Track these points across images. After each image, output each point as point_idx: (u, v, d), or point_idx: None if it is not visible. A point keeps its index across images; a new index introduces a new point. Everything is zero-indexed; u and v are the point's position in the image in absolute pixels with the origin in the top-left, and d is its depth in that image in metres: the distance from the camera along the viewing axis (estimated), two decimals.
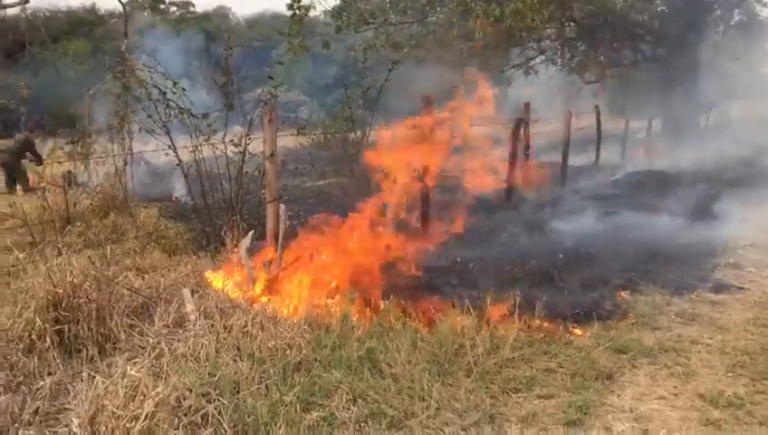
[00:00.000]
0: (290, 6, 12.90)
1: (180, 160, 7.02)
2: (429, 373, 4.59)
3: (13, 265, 5.85)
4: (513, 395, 4.55)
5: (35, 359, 4.35)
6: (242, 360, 4.39)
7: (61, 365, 4.31)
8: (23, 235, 10.20)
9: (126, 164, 12.16)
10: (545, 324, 5.77)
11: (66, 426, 3.16)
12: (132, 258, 8.10)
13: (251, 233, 6.12)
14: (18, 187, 14.52)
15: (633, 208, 11.22)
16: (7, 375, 4.14)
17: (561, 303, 6.67)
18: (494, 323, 5.49)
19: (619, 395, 4.62)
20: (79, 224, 10.53)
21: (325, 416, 4.00)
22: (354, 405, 4.16)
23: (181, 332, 4.67)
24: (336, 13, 20.30)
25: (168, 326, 4.78)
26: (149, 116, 7.13)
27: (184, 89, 7.01)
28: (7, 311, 4.68)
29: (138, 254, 8.36)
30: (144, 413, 3.30)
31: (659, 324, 6.03)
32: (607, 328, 5.88)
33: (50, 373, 4.20)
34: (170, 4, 54.70)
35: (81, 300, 4.64)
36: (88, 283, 4.74)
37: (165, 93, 7.09)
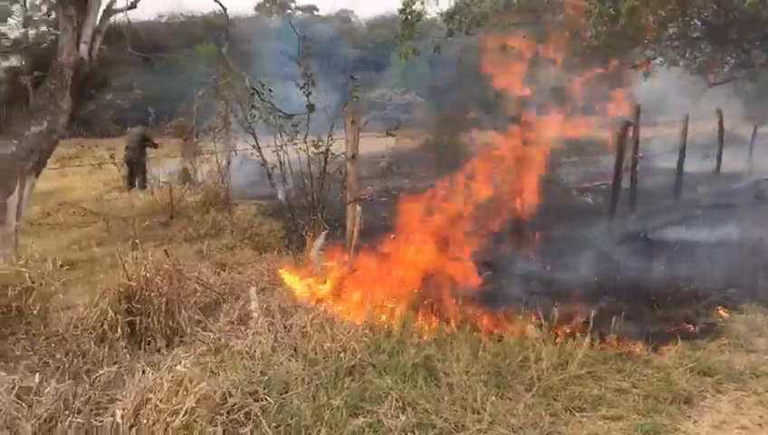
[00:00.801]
0: (401, 11, 12.97)
1: (264, 160, 7.19)
2: (487, 385, 4.44)
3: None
4: (577, 414, 4.29)
5: (106, 348, 4.57)
6: (296, 360, 4.41)
7: (128, 356, 4.50)
8: (126, 228, 10.83)
9: (229, 163, 12.61)
10: (624, 340, 5.44)
11: (112, 416, 3.28)
12: (223, 254, 8.39)
13: (324, 233, 6.16)
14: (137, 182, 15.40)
15: (752, 220, 10.42)
16: (77, 363, 4.37)
17: (648, 318, 6.32)
18: (566, 336, 5.23)
19: (695, 421, 4.27)
20: (181, 219, 11.10)
21: (371, 422, 3.93)
22: (403, 413, 4.06)
23: (243, 329, 4.76)
24: (448, 16, 20.20)
25: (233, 323, 4.88)
26: (236, 116, 7.34)
27: (270, 90, 7.16)
28: (86, 301, 4.94)
29: (229, 250, 8.64)
30: (184, 408, 3.37)
31: (756, 347, 5.53)
32: (695, 348, 5.46)
33: (116, 363, 4.39)
34: (296, 8, 56.85)
35: (153, 293, 4.83)
36: (159, 277, 4.92)
37: (253, 94, 7.28)
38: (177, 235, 10.18)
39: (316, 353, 4.43)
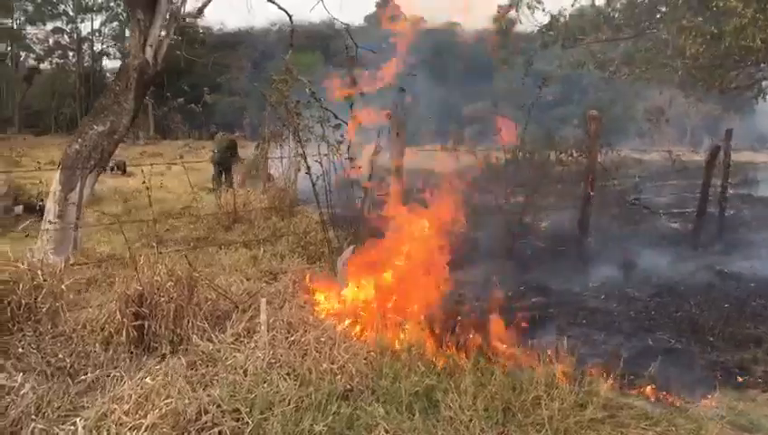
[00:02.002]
0: (495, 20, 12.76)
1: (309, 168, 7.08)
2: (492, 422, 4.12)
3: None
4: None
5: (111, 351, 4.55)
6: (290, 379, 4.22)
7: (128, 360, 4.45)
8: (194, 229, 11.03)
9: (299, 170, 12.65)
10: (658, 383, 4.96)
11: (73, 425, 3.20)
12: (275, 261, 8.34)
13: (351, 247, 5.97)
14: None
15: None
16: (79, 364, 4.35)
17: (697, 359, 5.77)
18: (594, 374, 4.81)
19: None
20: (245, 223, 11.21)
21: None
22: None
23: (246, 342, 4.62)
24: (544, 28, 19.54)
25: (239, 335, 4.75)
26: (284, 125, 7.29)
27: (318, 99, 7.04)
28: (99, 302, 4.95)
29: (282, 257, 8.59)
30: (146, 424, 3.25)
31: None
32: (743, 398, 4.93)
33: (115, 367, 4.35)
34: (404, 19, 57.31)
35: (162, 298, 4.78)
36: (171, 282, 4.86)
37: (298, 102, 7.21)
38: (237, 239, 10.27)
39: (311, 373, 4.23)
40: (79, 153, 8.37)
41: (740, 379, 5.39)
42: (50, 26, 50.86)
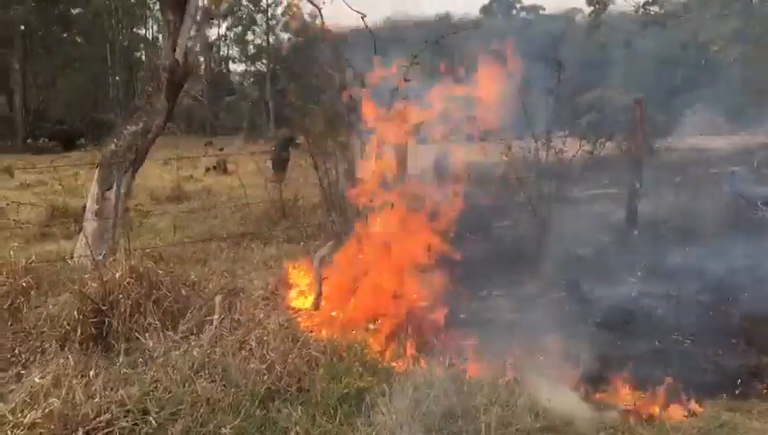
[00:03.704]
0: (589, 1, 12.27)
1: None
2: (425, 428, 3.85)
3: None
4: None
5: (66, 350, 4.62)
6: (219, 379, 4.13)
7: (72, 357, 4.48)
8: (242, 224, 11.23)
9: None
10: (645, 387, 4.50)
11: None
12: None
13: (330, 243, 5.80)
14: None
15: None
16: (34, 360, 4.45)
17: (710, 364, 5.19)
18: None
19: None
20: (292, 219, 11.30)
21: None
22: None
23: (193, 339, 4.57)
24: (642, 6, 18.31)
25: (191, 331, 4.71)
26: None
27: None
28: (62, 300, 5.04)
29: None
30: (25, 422, 3.25)
31: None
32: (740, 410, 4.38)
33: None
34: (521, 9, 56.74)
35: (121, 296, 4.82)
36: (131, 278, 4.89)
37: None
38: (281, 234, 10.37)
39: (238, 373, 4.11)
40: (115, 153, 8.66)
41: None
42: None
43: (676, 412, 4.31)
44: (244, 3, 50.38)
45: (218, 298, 4.78)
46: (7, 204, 11.04)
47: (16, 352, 4.54)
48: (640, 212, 10.44)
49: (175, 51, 8.84)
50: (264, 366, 4.13)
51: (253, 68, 55.14)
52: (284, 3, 48.52)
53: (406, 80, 6.50)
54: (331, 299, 5.29)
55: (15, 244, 8.10)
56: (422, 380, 4.25)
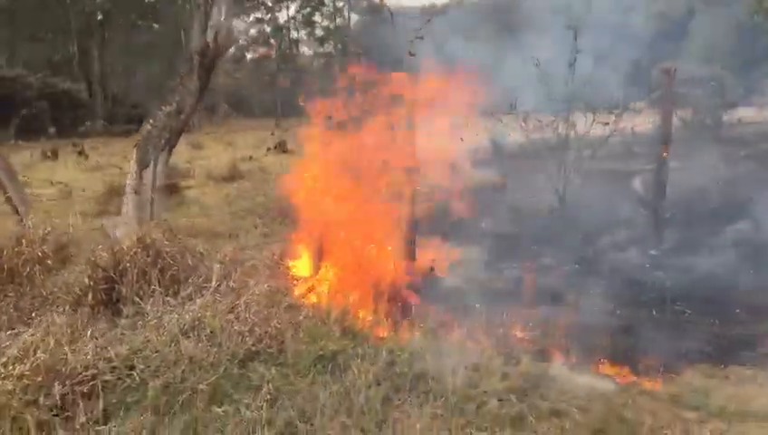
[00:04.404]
0: None
1: None
2: (392, 391, 4.03)
3: None
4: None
5: (77, 313, 4.99)
6: (206, 340, 4.39)
7: (83, 321, 4.84)
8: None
9: None
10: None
11: None
12: None
13: None
14: None
15: None
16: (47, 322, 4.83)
17: (696, 337, 5.14)
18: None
19: None
20: None
21: (232, 412, 3.82)
22: (273, 407, 3.87)
23: (190, 304, 4.85)
24: None
25: (190, 297, 4.98)
26: None
27: None
28: (78, 269, 5.42)
29: None
30: (15, 373, 3.59)
31: None
32: (720, 376, 4.37)
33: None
34: None
35: (129, 264, 5.16)
36: (139, 248, 5.22)
37: None
38: None
39: (222, 334, 4.37)
40: (150, 133, 9.09)
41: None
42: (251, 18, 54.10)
43: (653, 380, 4.33)
44: None
45: (217, 266, 5.05)
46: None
47: (33, 315, 4.92)
48: (682, 186, 10.28)
49: (206, 33, 9.17)
50: (246, 328, 4.37)
51: (321, 50, 55.44)
52: None
53: (411, 54, 6.58)
54: (330, 266, 5.49)
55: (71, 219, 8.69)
56: (396, 343, 4.41)
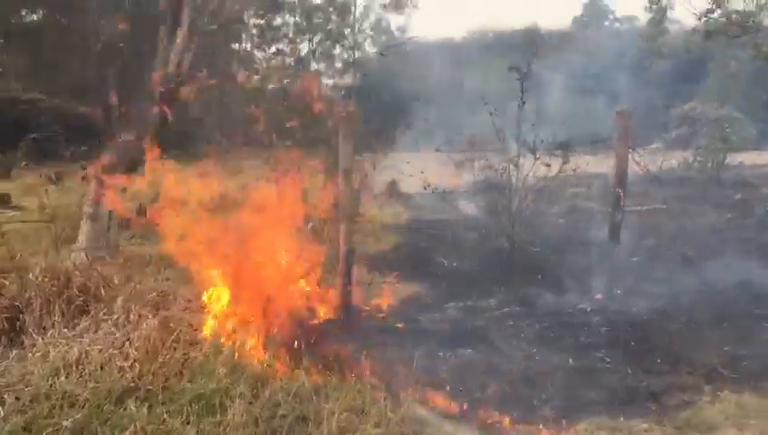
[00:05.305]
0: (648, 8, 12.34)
1: None
2: (268, 431, 3.92)
3: None
4: None
5: None
6: (87, 375, 4.31)
7: None
8: None
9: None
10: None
11: None
12: None
13: None
14: None
15: None
16: None
17: (607, 386, 4.95)
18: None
19: None
20: None
21: None
22: None
23: (87, 335, 4.77)
24: (703, 15, 17.41)
25: (89, 328, 4.90)
26: None
27: None
28: None
29: None
30: None
31: None
32: (611, 427, 4.22)
33: None
34: (614, 20, 56.39)
35: (33, 293, 5.12)
36: (44, 277, 5.18)
37: None
38: None
39: (102, 369, 4.29)
40: (110, 161, 9.12)
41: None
42: (273, 49, 54.59)
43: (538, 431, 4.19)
44: (334, 18, 51.16)
45: (120, 299, 4.98)
46: None
47: None
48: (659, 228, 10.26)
49: (167, 64, 9.24)
50: (128, 364, 4.28)
51: (340, 81, 55.76)
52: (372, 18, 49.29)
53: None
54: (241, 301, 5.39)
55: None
56: (287, 384, 4.31)
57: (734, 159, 18.37)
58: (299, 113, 11.27)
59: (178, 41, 9.23)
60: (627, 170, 8.44)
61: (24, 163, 24.62)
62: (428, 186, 9.90)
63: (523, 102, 7.99)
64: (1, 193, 14.75)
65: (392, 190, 16.90)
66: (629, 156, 8.47)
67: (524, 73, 7.73)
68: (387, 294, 7.63)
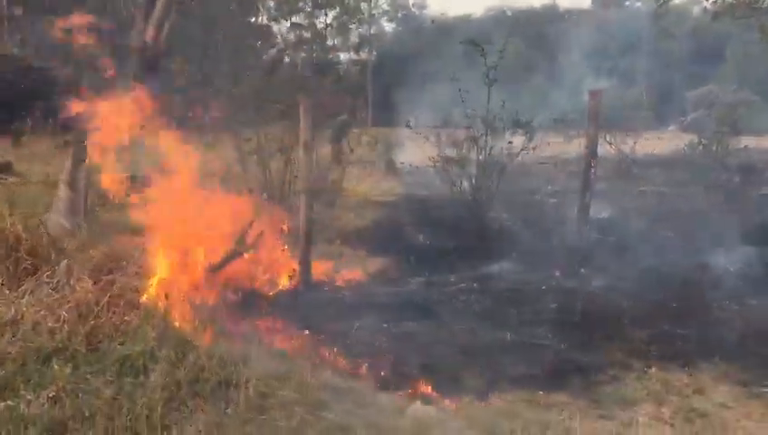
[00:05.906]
0: None
1: None
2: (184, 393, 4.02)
3: None
4: None
5: None
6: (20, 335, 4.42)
7: None
8: None
9: None
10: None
11: None
12: None
13: None
14: None
15: None
16: None
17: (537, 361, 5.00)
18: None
19: None
20: None
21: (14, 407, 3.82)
22: (56, 404, 3.87)
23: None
24: None
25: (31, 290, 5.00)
26: None
27: None
28: None
29: None
30: None
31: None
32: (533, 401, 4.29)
33: None
34: None
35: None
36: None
37: None
38: None
39: (34, 330, 4.40)
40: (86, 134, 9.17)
41: None
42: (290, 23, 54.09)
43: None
44: None
45: (63, 263, 5.08)
46: None
47: None
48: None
49: (146, 31, 9.24)
50: (58, 325, 4.38)
51: (356, 57, 55.36)
52: None
53: None
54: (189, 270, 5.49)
55: None
56: (216, 350, 4.39)
57: (748, 142, 17.88)
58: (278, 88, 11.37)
59: (158, 8, 9.20)
60: (596, 151, 8.42)
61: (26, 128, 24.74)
62: (402, 163, 9.94)
63: (492, 79, 7.97)
64: (3, 161, 14.86)
65: (389, 166, 16.95)
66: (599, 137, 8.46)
67: (482, 49, 7.71)
68: (353, 269, 7.73)
